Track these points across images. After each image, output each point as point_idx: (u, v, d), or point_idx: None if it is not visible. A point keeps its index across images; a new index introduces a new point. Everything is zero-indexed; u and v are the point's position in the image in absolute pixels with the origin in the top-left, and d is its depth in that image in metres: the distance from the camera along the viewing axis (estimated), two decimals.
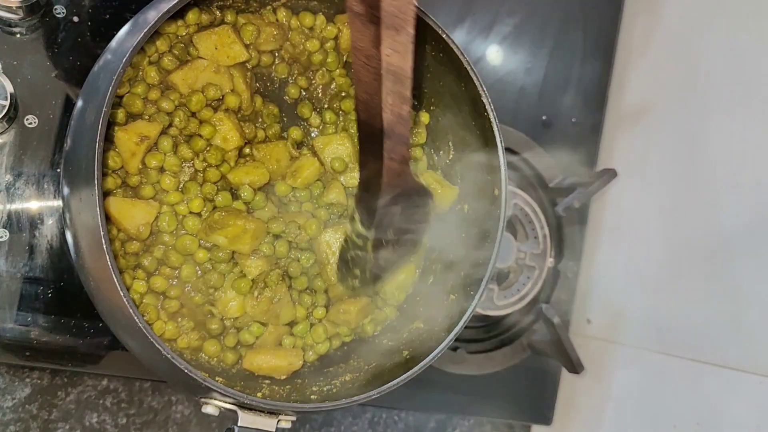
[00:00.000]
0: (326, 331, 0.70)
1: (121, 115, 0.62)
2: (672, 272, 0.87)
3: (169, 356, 0.51)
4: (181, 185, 0.64)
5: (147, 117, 0.63)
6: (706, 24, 0.90)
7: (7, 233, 0.66)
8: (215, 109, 0.66)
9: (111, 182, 0.61)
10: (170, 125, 0.64)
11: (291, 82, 0.71)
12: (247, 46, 0.67)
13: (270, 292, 0.66)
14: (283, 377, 0.67)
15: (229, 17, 0.67)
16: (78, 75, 0.69)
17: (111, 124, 0.61)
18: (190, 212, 0.64)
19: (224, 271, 0.65)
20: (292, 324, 0.69)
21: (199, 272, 0.65)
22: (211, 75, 0.65)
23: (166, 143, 0.63)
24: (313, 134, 0.72)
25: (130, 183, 0.62)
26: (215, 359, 0.66)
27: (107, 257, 0.50)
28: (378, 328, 0.73)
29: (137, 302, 0.61)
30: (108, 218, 0.60)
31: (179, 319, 0.64)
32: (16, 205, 0.67)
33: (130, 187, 0.62)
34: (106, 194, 0.60)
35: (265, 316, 0.67)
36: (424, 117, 0.74)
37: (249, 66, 0.69)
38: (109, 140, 0.60)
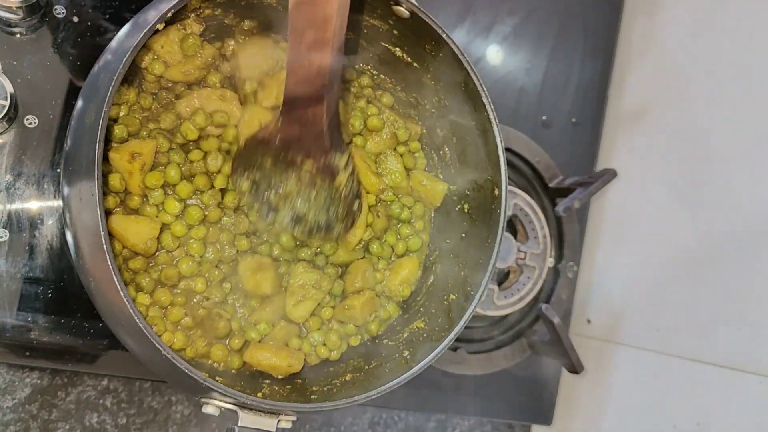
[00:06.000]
0: (339, 337, 0.71)
1: (119, 132, 0.62)
2: (672, 272, 0.87)
3: (169, 356, 0.51)
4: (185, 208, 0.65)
5: (144, 135, 0.63)
6: (706, 24, 0.90)
7: (7, 233, 0.66)
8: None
9: (111, 201, 0.61)
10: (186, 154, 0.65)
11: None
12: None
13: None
14: (281, 377, 0.67)
15: (213, 78, 0.67)
16: (78, 75, 0.69)
17: (108, 142, 0.61)
18: (193, 237, 0.65)
19: (227, 287, 0.66)
20: (307, 330, 0.70)
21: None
22: (218, 103, 0.66)
23: (173, 173, 0.63)
24: None
25: (130, 204, 0.62)
26: (221, 363, 0.66)
27: (107, 257, 0.50)
28: (382, 327, 0.73)
29: (143, 314, 0.62)
30: (111, 236, 0.60)
31: (188, 328, 0.65)
32: (16, 205, 0.67)
33: (130, 208, 0.62)
34: (107, 213, 0.61)
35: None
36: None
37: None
38: (109, 161, 0.61)
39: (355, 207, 0.64)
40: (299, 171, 0.61)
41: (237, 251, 0.67)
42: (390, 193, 0.74)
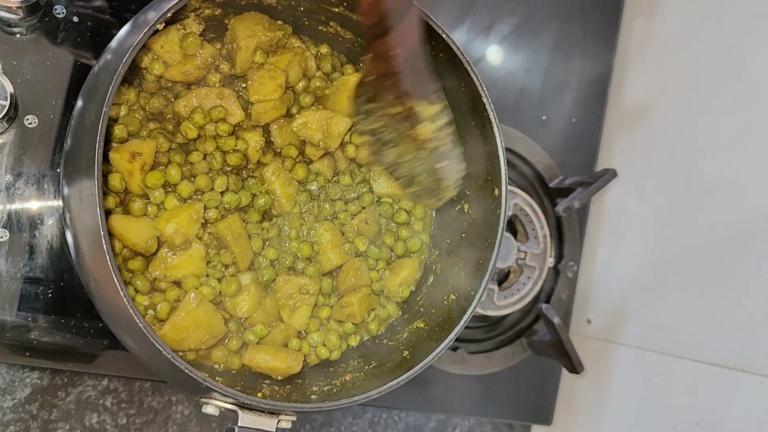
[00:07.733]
0: (339, 337, 0.70)
1: (119, 132, 0.62)
2: (672, 272, 0.87)
3: (169, 356, 0.51)
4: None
5: (144, 135, 0.63)
6: (706, 24, 0.90)
7: (7, 233, 0.66)
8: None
9: (111, 201, 0.61)
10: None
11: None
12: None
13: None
14: (280, 378, 0.67)
15: (213, 78, 0.67)
16: (78, 75, 0.69)
17: (108, 142, 0.61)
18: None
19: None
20: (306, 331, 0.70)
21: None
22: (214, 100, 0.66)
23: (174, 172, 0.63)
24: None
25: (130, 208, 0.62)
26: (221, 364, 0.66)
27: (107, 257, 0.50)
28: (382, 327, 0.73)
29: (141, 313, 0.61)
30: (111, 235, 0.60)
31: None
32: (16, 205, 0.67)
33: (131, 208, 0.62)
34: (107, 213, 0.61)
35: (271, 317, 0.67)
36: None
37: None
38: (109, 161, 0.61)
39: (444, 167, 0.63)
40: (388, 114, 0.61)
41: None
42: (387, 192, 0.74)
